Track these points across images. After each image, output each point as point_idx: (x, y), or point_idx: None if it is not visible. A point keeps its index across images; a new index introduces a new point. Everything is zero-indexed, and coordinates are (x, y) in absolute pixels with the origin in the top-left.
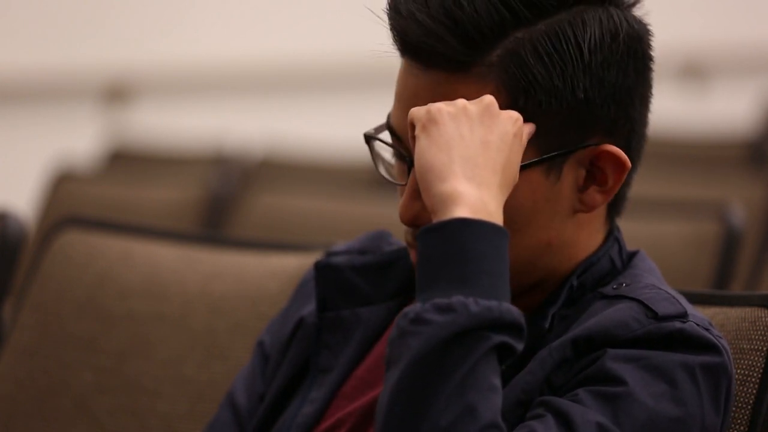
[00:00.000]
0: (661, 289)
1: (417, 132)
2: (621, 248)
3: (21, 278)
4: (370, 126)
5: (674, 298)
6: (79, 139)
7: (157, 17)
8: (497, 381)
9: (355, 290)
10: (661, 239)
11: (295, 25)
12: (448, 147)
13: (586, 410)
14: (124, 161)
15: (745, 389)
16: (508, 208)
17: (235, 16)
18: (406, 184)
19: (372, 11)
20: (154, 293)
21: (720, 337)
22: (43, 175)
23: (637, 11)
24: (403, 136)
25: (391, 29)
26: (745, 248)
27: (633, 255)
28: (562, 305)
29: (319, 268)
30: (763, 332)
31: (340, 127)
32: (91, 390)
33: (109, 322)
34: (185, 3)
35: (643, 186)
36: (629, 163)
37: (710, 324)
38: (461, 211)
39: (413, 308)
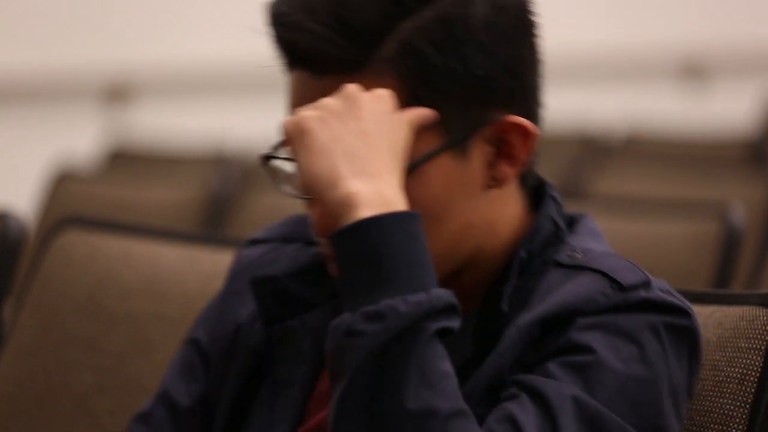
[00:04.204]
0: (620, 258)
1: (293, 146)
2: (560, 206)
3: (21, 278)
4: None
5: (634, 265)
6: (79, 139)
7: (157, 17)
8: (446, 365)
9: (296, 298)
10: (661, 239)
11: None
12: (326, 151)
13: (559, 385)
14: (125, 161)
15: (744, 388)
16: (425, 199)
17: (235, 17)
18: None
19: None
20: (154, 293)
21: (683, 300)
22: (43, 175)
23: None
24: None
25: (277, 43)
26: (745, 248)
27: (576, 218)
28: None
29: (255, 283)
30: (761, 331)
31: None
32: (92, 390)
33: (110, 323)
34: (185, 3)
35: (643, 186)
36: (535, 130)
37: (670, 288)
38: (362, 212)
39: (343, 320)
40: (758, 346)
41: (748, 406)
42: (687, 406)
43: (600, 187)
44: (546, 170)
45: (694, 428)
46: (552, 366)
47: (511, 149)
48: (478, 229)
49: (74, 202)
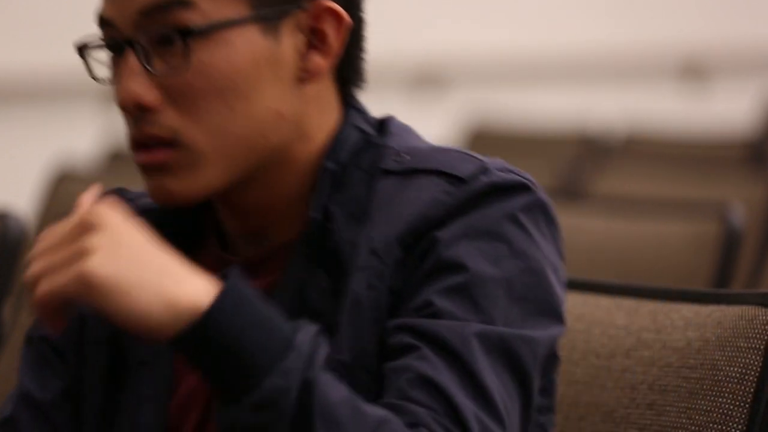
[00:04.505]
0: (447, 149)
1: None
2: (365, 114)
3: (21, 278)
4: None
5: (464, 153)
6: (79, 139)
7: None
8: (342, 390)
9: None
10: (661, 239)
11: None
12: (124, 288)
13: (456, 326)
14: (124, 161)
15: (743, 387)
16: (229, 73)
17: None
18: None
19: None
20: None
21: (521, 172)
22: (43, 175)
23: None
24: (118, 23)
25: None
26: (745, 248)
27: (383, 120)
28: (332, 192)
29: None
30: (760, 330)
31: None
32: None
33: None
34: None
35: (643, 186)
36: (348, 18)
37: (505, 163)
38: (187, 316)
39: (233, 416)
40: (757, 346)
41: (747, 405)
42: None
43: (600, 187)
44: (546, 170)
45: (694, 428)
46: (436, 299)
47: (324, 38)
48: (288, 123)
49: (74, 202)
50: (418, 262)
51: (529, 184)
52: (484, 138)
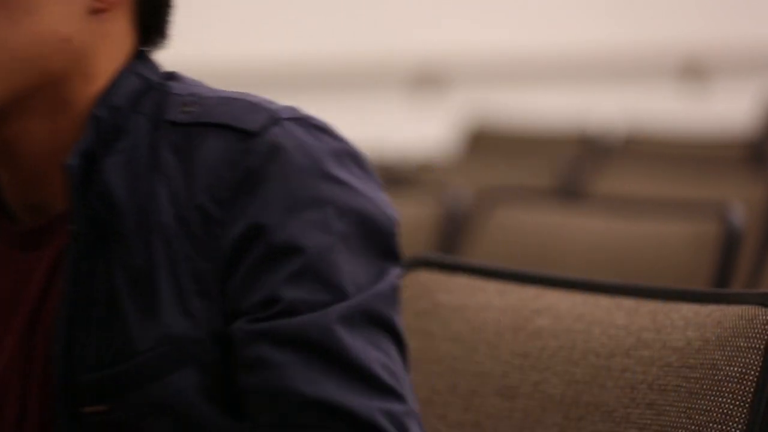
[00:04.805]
0: (234, 98)
1: None
2: (152, 64)
3: None
4: (369, 125)
5: (252, 102)
6: None
7: None
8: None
9: None
10: (661, 239)
11: (296, 25)
12: None
13: (313, 320)
14: None
15: (743, 387)
16: None
17: (235, 16)
18: None
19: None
20: None
21: (311, 116)
22: None
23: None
24: None
25: None
26: (745, 248)
27: (173, 73)
28: (107, 139)
29: None
30: (760, 330)
31: (340, 126)
32: None
33: None
34: (186, 3)
35: (643, 186)
36: None
37: (295, 108)
38: None
39: None
40: (757, 345)
41: (747, 405)
42: None
43: (600, 187)
44: (546, 170)
45: (694, 428)
46: (283, 291)
47: None
48: (72, 52)
49: None
50: (241, 246)
51: (325, 127)
52: (484, 138)
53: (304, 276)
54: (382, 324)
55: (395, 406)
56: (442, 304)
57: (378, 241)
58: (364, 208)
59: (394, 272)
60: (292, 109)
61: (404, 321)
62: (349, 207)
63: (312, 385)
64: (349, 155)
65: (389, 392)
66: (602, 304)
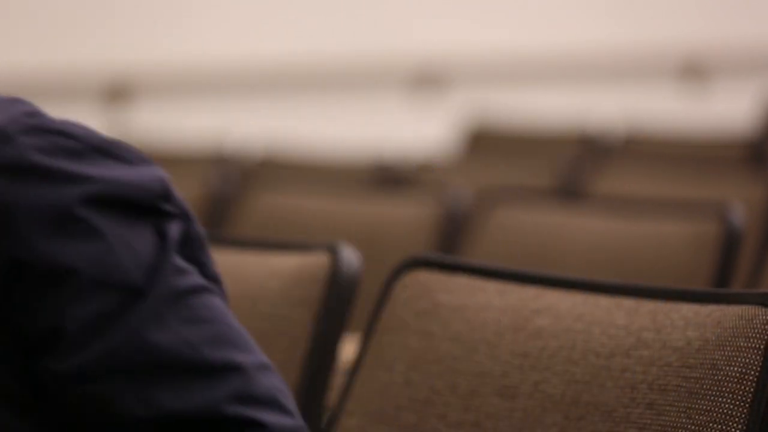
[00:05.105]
0: None
1: None
2: None
3: None
4: (369, 125)
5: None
6: None
7: (157, 17)
8: None
9: None
10: (661, 239)
11: (296, 25)
12: None
13: (118, 333)
14: None
15: (743, 387)
16: None
17: (235, 16)
18: None
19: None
20: None
21: (50, 120)
22: None
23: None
24: None
25: None
26: (745, 248)
27: None
28: None
29: None
30: (760, 330)
31: (340, 126)
32: None
33: None
34: (185, 3)
35: (643, 186)
36: None
37: (36, 110)
38: None
39: None
40: (757, 345)
41: (747, 404)
42: None
43: (600, 187)
44: (546, 170)
45: (694, 428)
46: (68, 320)
47: None
48: None
49: None
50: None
51: (68, 127)
52: (484, 138)
53: (83, 294)
54: (186, 292)
55: (237, 381)
56: (442, 304)
57: (137, 208)
58: (103, 190)
59: (174, 225)
60: (32, 106)
61: (404, 321)
62: (91, 194)
63: (147, 407)
64: (60, 148)
65: (227, 368)
66: (602, 304)
